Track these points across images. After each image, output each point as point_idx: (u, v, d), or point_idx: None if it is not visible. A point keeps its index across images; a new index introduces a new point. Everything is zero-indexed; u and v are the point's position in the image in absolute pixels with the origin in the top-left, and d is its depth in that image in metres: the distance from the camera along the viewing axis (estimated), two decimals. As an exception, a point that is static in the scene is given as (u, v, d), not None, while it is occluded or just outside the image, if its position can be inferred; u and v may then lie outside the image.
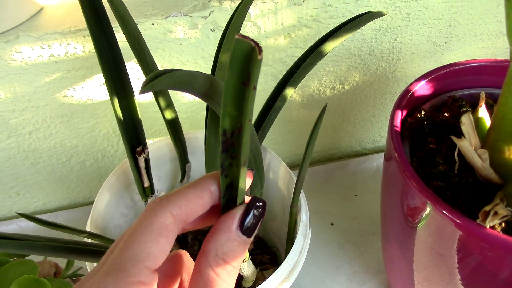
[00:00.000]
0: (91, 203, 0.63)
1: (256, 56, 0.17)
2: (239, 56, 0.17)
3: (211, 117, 0.35)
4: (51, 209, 0.62)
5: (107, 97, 0.49)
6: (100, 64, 0.36)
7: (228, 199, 0.23)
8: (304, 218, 0.40)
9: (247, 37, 0.17)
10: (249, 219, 0.23)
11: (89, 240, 0.38)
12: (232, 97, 0.18)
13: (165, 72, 0.19)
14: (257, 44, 0.17)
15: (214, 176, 0.23)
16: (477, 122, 0.36)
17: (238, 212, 0.23)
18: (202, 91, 0.23)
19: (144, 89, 0.18)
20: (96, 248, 0.35)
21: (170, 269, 0.25)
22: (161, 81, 0.18)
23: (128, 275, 0.20)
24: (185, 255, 0.26)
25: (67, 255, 0.33)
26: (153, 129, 0.54)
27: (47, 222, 0.33)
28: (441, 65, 0.42)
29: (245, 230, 0.23)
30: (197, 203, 0.22)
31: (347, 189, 0.63)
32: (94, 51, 0.44)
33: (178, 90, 0.21)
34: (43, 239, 0.32)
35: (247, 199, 0.24)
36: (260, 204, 0.23)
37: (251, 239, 0.23)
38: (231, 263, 0.22)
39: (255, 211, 0.23)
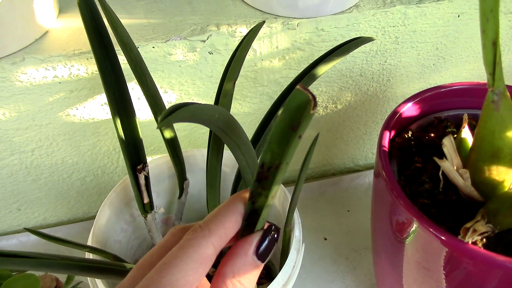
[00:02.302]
0: (91, 218, 0.64)
1: (310, 109, 0.19)
2: (295, 104, 0.19)
3: (214, 141, 0.37)
4: (51, 224, 0.63)
5: (108, 116, 0.51)
6: (103, 86, 0.38)
7: (248, 223, 0.24)
8: (297, 233, 0.41)
9: (307, 89, 0.19)
10: (264, 245, 0.24)
11: (91, 255, 0.40)
12: (278, 136, 0.20)
13: (179, 107, 0.20)
14: (314, 98, 0.19)
15: (243, 199, 0.25)
16: (460, 142, 0.38)
17: (255, 238, 0.24)
18: (210, 122, 0.25)
19: (161, 124, 0.20)
20: (97, 265, 0.36)
21: None
22: (176, 116, 0.20)
23: None
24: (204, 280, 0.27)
25: (69, 271, 0.35)
26: (151, 147, 0.56)
27: (52, 236, 0.34)
28: (428, 86, 0.44)
29: (260, 255, 0.24)
30: (233, 229, 0.24)
31: (340, 205, 0.65)
32: (96, 72, 0.46)
33: (190, 122, 0.23)
34: (47, 256, 0.33)
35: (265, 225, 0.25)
36: (275, 232, 0.25)
37: (264, 263, 0.24)
38: (246, 285, 0.24)
39: (270, 238, 0.24)
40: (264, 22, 0.43)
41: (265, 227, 0.25)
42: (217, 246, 0.23)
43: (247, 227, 0.25)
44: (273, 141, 0.21)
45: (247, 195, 0.24)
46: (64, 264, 0.33)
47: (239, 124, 0.29)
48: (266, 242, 0.24)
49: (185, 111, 0.20)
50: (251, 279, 0.24)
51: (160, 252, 0.24)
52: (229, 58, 0.49)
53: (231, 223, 0.24)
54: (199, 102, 0.23)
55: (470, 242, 0.32)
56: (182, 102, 0.21)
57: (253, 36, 0.39)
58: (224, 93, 0.37)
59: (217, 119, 0.25)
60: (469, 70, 0.60)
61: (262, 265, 0.24)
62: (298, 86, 0.19)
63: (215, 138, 0.37)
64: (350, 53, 0.52)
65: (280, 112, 0.20)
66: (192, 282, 0.22)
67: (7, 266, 0.31)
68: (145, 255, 0.25)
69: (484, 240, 0.33)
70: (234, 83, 0.37)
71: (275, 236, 0.25)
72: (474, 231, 0.31)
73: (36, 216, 0.61)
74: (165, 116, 0.20)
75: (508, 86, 0.36)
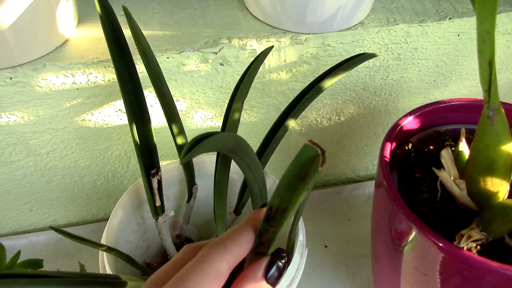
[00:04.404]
0: (99, 220, 0.66)
1: (317, 164, 0.21)
2: (304, 157, 0.21)
3: (223, 157, 0.40)
4: (61, 225, 0.65)
5: (122, 122, 0.53)
6: (121, 93, 0.40)
7: (257, 253, 0.26)
8: (301, 238, 0.43)
9: (316, 144, 0.21)
10: (273, 269, 0.25)
11: (104, 255, 0.42)
12: (287, 184, 0.22)
13: (199, 140, 0.23)
14: (323, 153, 0.21)
15: (256, 220, 0.26)
16: (458, 155, 0.40)
17: (264, 261, 0.25)
18: (224, 148, 0.28)
19: (184, 160, 0.22)
20: (112, 280, 0.37)
21: None
22: (197, 150, 0.23)
23: None
24: None
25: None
26: (161, 152, 0.58)
27: (74, 235, 0.36)
28: (428, 101, 0.46)
29: (269, 279, 0.25)
30: (247, 248, 0.25)
31: (341, 214, 0.67)
32: (112, 80, 0.49)
33: (207, 152, 0.25)
34: (61, 274, 0.34)
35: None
36: (284, 256, 0.25)
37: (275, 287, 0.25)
38: None
39: (279, 262, 0.25)
40: (272, 47, 0.46)
41: (273, 251, 0.26)
42: (231, 262, 0.24)
43: (255, 256, 0.26)
44: (282, 188, 0.23)
45: (260, 215, 0.26)
46: (83, 281, 0.34)
47: (248, 144, 0.31)
48: (275, 265, 0.25)
49: (204, 145, 0.23)
50: None
51: (173, 267, 0.25)
52: (239, 69, 0.51)
53: (246, 242, 0.25)
54: (216, 131, 0.25)
55: (465, 248, 0.34)
56: (202, 133, 0.24)
57: (262, 60, 0.42)
58: (233, 112, 0.39)
59: (231, 145, 0.27)
60: (468, 87, 0.62)
61: None
62: (307, 142, 0.21)
63: (223, 156, 0.39)
64: (354, 68, 0.54)
65: (290, 163, 0.22)
66: None
67: (32, 286, 0.33)
68: (157, 270, 0.26)
69: (478, 247, 0.35)
70: (243, 102, 0.40)
71: (285, 260, 0.26)
72: (469, 237, 0.33)
73: (47, 217, 0.63)
74: (187, 151, 0.22)
75: (503, 103, 0.38)
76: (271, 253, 0.25)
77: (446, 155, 0.36)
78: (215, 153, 0.44)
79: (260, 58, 0.42)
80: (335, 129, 0.63)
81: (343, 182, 0.73)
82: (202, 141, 0.23)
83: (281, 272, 0.25)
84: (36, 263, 0.50)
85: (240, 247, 0.25)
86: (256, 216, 0.26)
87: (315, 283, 0.58)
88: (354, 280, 0.58)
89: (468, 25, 0.54)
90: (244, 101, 0.55)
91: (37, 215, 0.62)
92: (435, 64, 0.58)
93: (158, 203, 0.44)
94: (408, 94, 0.61)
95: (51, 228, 0.36)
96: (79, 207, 0.63)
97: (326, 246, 0.62)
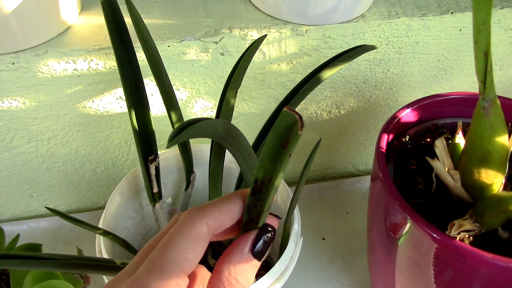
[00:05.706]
0: (99, 208, 0.67)
1: (297, 129, 0.21)
2: (283, 124, 0.21)
3: (216, 146, 0.40)
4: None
5: (122, 109, 0.54)
6: (121, 80, 0.41)
7: (247, 230, 0.26)
8: (296, 227, 0.44)
9: (294, 110, 0.21)
10: (260, 243, 0.25)
11: (101, 239, 0.42)
12: (270, 154, 0.22)
13: (187, 125, 0.23)
14: (300, 118, 0.20)
15: (243, 194, 0.26)
16: (454, 147, 0.40)
17: (250, 236, 0.25)
18: (215, 135, 0.28)
19: (171, 143, 0.22)
20: (104, 264, 0.38)
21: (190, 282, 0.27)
22: (184, 134, 0.22)
23: (169, 277, 0.22)
24: (202, 268, 0.28)
25: (81, 270, 0.36)
26: (162, 141, 0.59)
27: (73, 218, 0.36)
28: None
29: (256, 254, 0.25)
30: (228, 216, 0.25)
31: (339, 207, 0.67)
32: (113, 67, 0.49)
33: (196, 138, 0.25)
34: (60, 256, 0.35)
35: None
36: (270, 230, 0.26)
37: (261, 262, 0.25)
38: (242, 283, 0.24)
39: (265, 237, 0.25)
40: (266, 36, 0.46)
41: (261, 226, 0.26)
42: (211, 226, 0.24)
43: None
44: (265, 159, 0.23)
45: (247, 190, 0.26)
46: (76, 264, 0.35)
47: (240, 132, 0.31)
48: (261, 240, 0.25)
49: (192, 130, 0.23)
50: (247, 277, 0.25)
51: (163, 236, 0.25)
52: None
53: (227, 210, 0.25)
54: (207, 117, 0.25)
55: (457, 239, 0.34)
56: (191, 118, 0.24)
57: (255, 49, 0.42)
58: (227, 100, 0.40)
59: (220, 132, 0.27)
60: (469, 83, 0.62)
61: (258, 264, 0.25)
62: (285, 108, 0.21)
63: (217, 144, 0.39)
64: (355, 61, 0.54)
65: (270, 132, 0.22)
66: (192, 260, 0.23)
67: (25, 267, 0.33)
68: (149, 240, 0.26)
69: (471, 238, 0.35)
70: (236, 91, 0.40)
71: (271, 235, 0.26)
72: (460, 226, 0.33)
73: (48, 203, 0.63)
74: (174, 135, 0.22)
75: (501, 97, 0.38)
76: (258, 227, 0.26)
77: (440, 145, 0.36)
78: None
79: (253, 47, 0.42)
80: (335, 122, 0.63)
81: (342, 176, 0.73)
82: (190, 126, 0.23)
83: (267, 246, 0.25)
84: (35, 247, 0.51)
85: (221, 213, 0.25)
86: (244, 191, 0.26)
87: (311, 275, 0.58)
88: (351, 273, 0.59)
89: (470, 20, 0.54)
90: (245, 92, 0.55)
91: (37, 201, 0.63)
92: (436, 59, 0.58)
93: (155, 190, 0.44)
94: (409, 89, 0.61)
95: (47, 208, 0.36)
96: (79, 194, 0.63)
97: (323, 239, 0.62)
